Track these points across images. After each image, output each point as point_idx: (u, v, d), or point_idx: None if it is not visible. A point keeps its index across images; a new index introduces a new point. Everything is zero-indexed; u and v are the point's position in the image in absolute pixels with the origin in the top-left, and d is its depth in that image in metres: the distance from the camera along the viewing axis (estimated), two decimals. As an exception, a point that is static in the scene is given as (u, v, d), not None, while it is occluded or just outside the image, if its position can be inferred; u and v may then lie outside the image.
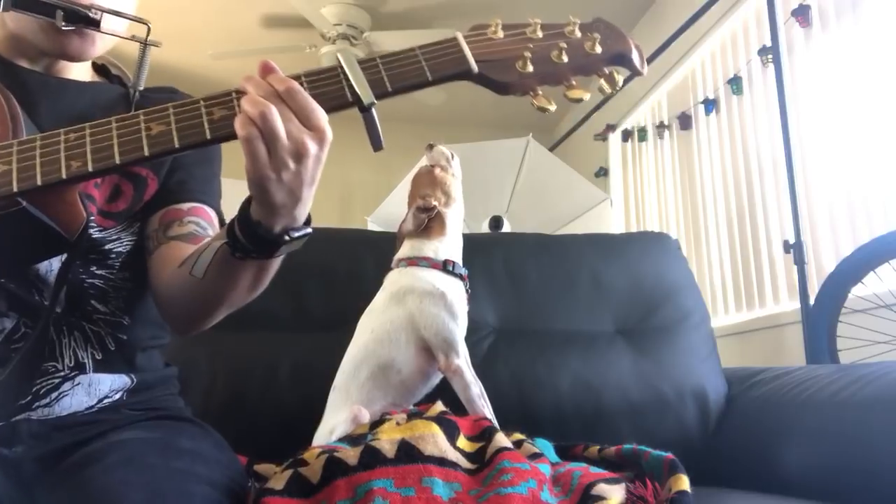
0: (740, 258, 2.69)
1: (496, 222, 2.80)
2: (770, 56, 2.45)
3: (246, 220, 0.65)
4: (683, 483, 0.78)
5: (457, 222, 1.23)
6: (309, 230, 0.68)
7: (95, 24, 0.76)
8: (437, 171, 1.24)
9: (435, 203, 1.19)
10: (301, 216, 0.66)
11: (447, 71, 0.66)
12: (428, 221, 1.20)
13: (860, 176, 2.11)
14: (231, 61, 3.85)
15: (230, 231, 0.67)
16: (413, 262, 1.17)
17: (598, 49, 0.69)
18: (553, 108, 0.68)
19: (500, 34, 0.69)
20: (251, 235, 0.65)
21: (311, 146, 0.61)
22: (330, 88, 0.64)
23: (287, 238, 0.65)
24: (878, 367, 1.07)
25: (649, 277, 1.43)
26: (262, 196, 0.62)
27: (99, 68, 0.93)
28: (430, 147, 1.28)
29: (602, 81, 0.70)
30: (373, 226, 2.83)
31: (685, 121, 3.16)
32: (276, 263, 0.73)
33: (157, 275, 0.83)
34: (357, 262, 1.37)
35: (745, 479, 1.10)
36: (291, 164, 0.61)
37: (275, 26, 3.87)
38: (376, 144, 0.65)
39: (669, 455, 0.85)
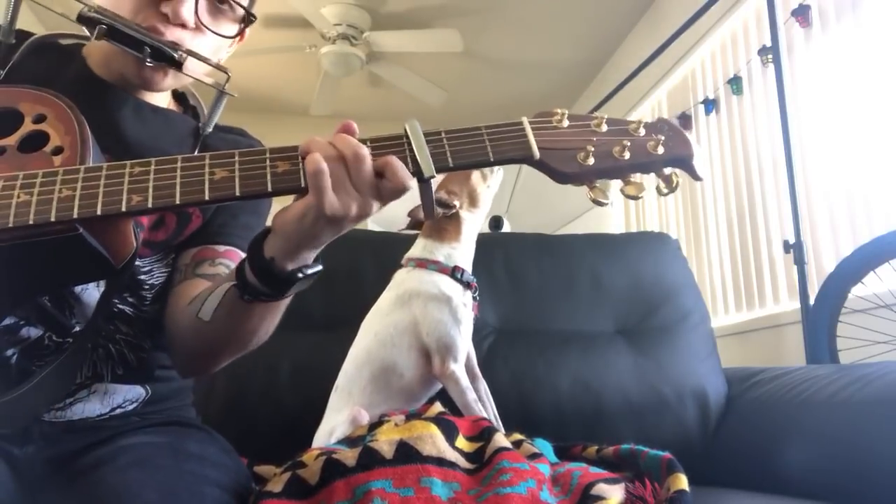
0: (740, 258, 2.69)
1: (496, 222, 2.80)
2: (770, 56, 2.44)
3: (258, 258, 0.66)
4: (682, 482, 0.78)
5: (473, 230, 1.21)
6: (319, 267, 0.68)
7: (178, 66, 0.78)
8: (476, 175, 1.20)
9: (456, 203, 1.17)
10: (311, 258, 0.67)
11: (509, 154, 0.67)
12: (444, 222, 1.18)
13: (860, 176, 2.11)
14: (231, 61, 3.84)
15: (239, 273, 0.68)
16: (422, 263, 1.16)
17: (661, 150, 0.69)
18: (608, 202, 0.69)
19: (565, 124, 0.69)
20: (263, 273, 0.66)
21: (355, 211, 0.62)
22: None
23: (300, 276, 0.66)
24: (878, 367, 1.07)
25: (649, 277, 1.43)
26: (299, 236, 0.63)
27: (178, 95, 0.95)
28: None
29: (659, 181, 0.70)
30: (373, 226, 2.83)
31: (685, 121, 3.15)
32: (282, 306, 0.74)
33: (172, 309, 0.83)
34: (357, 262, 1.37)
35: (744, 479, 1.10)
36: (336, 214, 0.61)
37: (275, 26, 3.87)
38: (429, 214, 0.68)
39: (667, 454, 0.85)
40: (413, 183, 0.63)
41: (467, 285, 1.16)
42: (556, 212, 3.01)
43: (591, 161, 0.67)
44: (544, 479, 0.75)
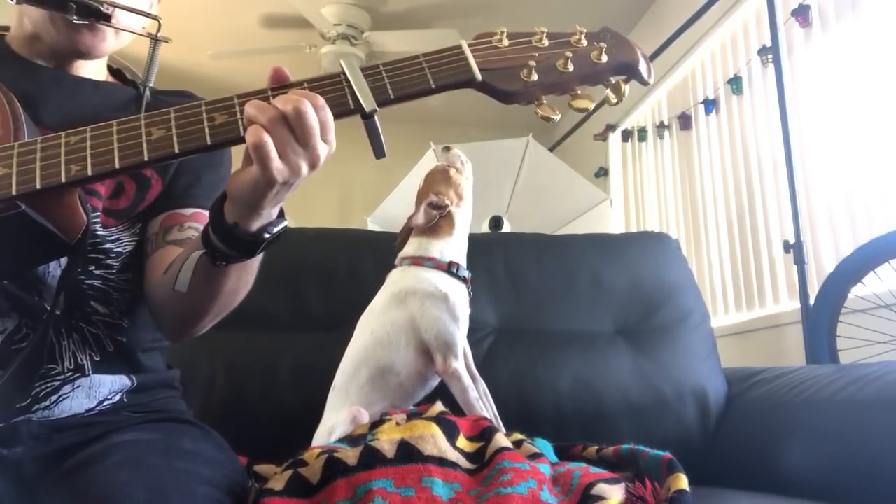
0: (740, 258, 2.69)
1: (496, 222, 2.80)
2: (770, 56, 2.45)
3: (220, 224, 0.65)
4: (682, 482, 0.78)
5: (464, 224, 1.23)
6: (286, 222, 0.68)
7: (106, 19, 0.77)
8: (453, 171, 1.24)
9: (448, 202, 1.19)
10: (274, 214, 0.67)
11: (451, 79, 0.66)
12: (437, 220, 1.19)
13: (860, 176, 2.11)
14: (231, 61, 3.85)
15: (206, 240, 0.67)
16: (417, 261, 1.16)
17: (605, 58, 0.68)
18: (557, 117, 0.67)
19: (505, 42, 0.68)
20: (229, 238, 0.65)
21: (305, 170, 0.61)
22: (332, 95, 0.64)
23: (266, 235, 0.66)
24: (878, 367, 1.07)
25: (649, 277, 1.43)
26: (253, 199, 0.62)
27: (115, 72, 0.93)
28: (447, 149, 1.28)
29: (608, 91, 0.69)
30: (373, 226, 2.83)
31: (685, 121, 3.16)
32: (256, 262, 0.74)
33: (149, 279, 0.83)
34: (357, 262, 1.37)
35: (744, 479, 1.10)
36: (288, 179, 0.61)
37: (275, 26, 3.87)
38: (378, 152, 0.64)
39: (667, 454, 0.85)
40: (321, 101, 0.61)
41: (463, 280, 1.16)
42: (556, 212, 3.01)
43: (535, 77, 0.66)
44: (545, 479, 0.75)
